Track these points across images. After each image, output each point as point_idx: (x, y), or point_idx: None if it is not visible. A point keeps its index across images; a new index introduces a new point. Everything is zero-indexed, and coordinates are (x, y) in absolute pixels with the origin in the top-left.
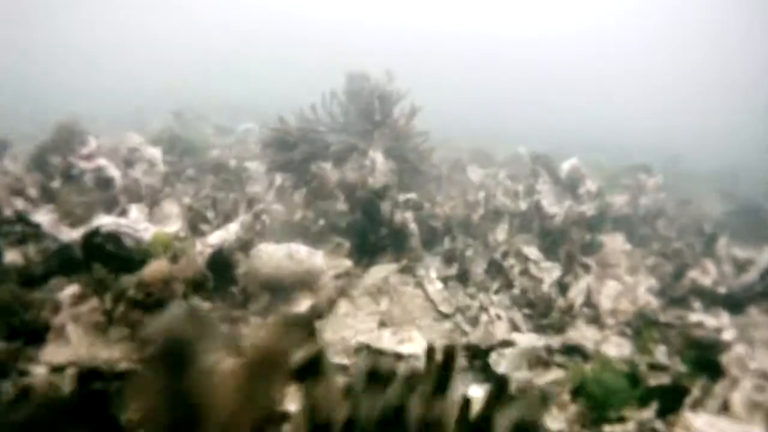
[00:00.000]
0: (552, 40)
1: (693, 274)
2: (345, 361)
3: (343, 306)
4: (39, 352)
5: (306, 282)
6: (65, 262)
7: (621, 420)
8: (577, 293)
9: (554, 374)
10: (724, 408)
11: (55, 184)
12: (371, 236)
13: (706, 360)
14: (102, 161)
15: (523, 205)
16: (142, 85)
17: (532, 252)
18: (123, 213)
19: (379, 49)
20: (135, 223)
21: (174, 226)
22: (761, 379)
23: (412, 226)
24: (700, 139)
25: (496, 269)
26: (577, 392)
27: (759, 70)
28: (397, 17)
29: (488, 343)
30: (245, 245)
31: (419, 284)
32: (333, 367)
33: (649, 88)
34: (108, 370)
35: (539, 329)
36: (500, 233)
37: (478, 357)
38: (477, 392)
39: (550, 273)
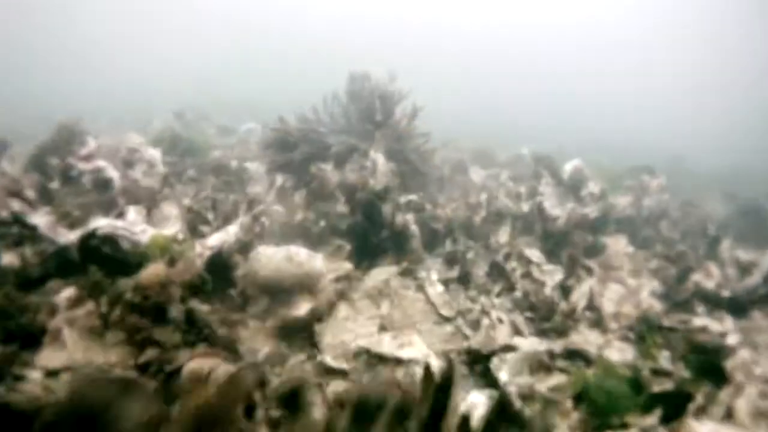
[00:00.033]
0: (552, 40)
1: (696, 277)
2: (344, 365)
3: (343, 309)
4: (35, 356)
5: (305, 285)
6: (62, 265)
7: (624, 427)
8: (579, 296)
9: (556, 379)
10: (728, 415)
11: (54, 185)
12: (372, 238)
13: (710, 365)
14: (101, 162)
15: (525, 207)
16: (146, 84)
17: (535, 254)
18: (121, 215)
19: (379, 46)
20: (132, 225)
21: (173, 228)
22: (766, 385)
23: (413, 228)
24: (699, 138)
25: (497, 272)
26: (580, 398)
27: (759, 70)
28: (398, 15)
29: (489, 348)
30: (244, 247)
31: (420, 287)
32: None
33: (649, 87)
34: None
35: (541, 333)
36: (502, 235)
37: (479, 362)
38: (478, 398)
39: (552, 276)
